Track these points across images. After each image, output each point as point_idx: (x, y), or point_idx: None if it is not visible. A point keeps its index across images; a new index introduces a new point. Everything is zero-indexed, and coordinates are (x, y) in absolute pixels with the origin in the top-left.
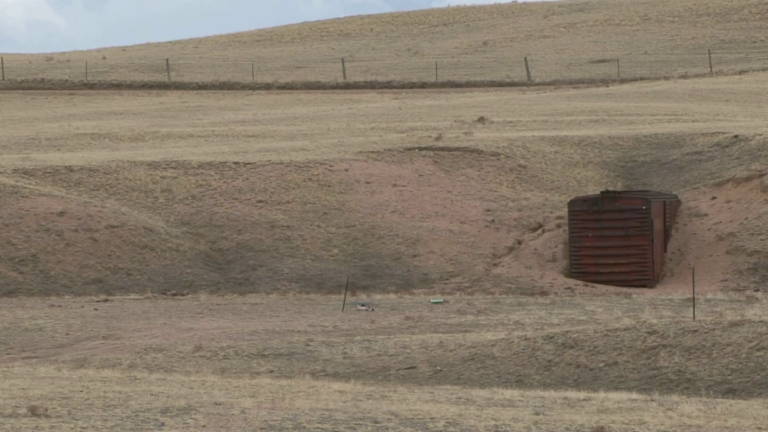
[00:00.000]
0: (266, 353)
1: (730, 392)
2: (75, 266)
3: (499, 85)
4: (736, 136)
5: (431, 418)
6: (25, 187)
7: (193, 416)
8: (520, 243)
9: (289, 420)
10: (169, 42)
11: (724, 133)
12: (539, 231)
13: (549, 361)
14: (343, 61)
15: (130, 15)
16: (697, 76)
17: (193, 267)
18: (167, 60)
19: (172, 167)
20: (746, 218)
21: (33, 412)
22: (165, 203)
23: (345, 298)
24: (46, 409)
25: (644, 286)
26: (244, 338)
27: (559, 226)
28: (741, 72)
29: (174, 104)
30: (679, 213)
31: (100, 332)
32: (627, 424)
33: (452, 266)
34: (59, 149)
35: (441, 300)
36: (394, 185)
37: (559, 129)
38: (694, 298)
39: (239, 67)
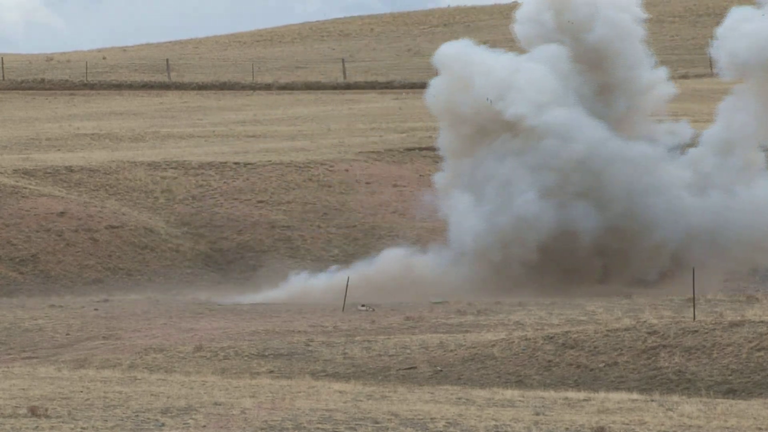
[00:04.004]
0: (266, 353)
1: (731, 392)
2: (75, 266)
3: None
4: None
5: (431, 419)
6: (26, 188)
7: (193, 416)
8: None
9: (290, 420)
10: (169, 42)
11: None
12: None
13: (549, 361)
14: (343, 61)
15: (129, 15)
16: (697, 76)
17: (194, 267)
18: (167, 60)
19: (172, 167)
20: None
21: (33, 412)
22: (165, 203)
23: (345, 298)
24: (47, 410)
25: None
26: (245, 338)
27: None
28: None
29: (174, 104)
30: None
31: (101, 333)
32: (627, 424)
33: None
34: (59, 149)
35: (441, 300)
36: (395, 185)
37: None
38: (694, 299)
39: (239, 67)
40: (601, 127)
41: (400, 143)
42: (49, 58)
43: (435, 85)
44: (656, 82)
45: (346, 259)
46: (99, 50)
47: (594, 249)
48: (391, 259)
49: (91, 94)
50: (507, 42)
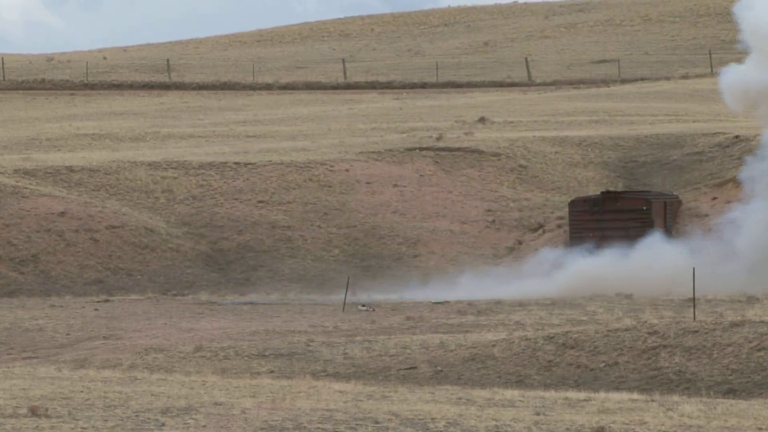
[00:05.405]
0: (267, 353)
1: (731, 392)
2: (76, 266)
3: (500, 85)
4: (737, 137)
5: (432, 419)
6: (26, 188)
7: (193, 416)
8: (520, 243)
9: (290, 420)
10: (170, 42)
11: (724, 133)
12: (540, 231)
13: (549, 361)
14: (343, 61)
15: (129, 15)
16: (698, 76)
17: (194, 267)
18: (168, 60)
19: (172, 167)
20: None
21: (33, 412)
22: (166, 203)
23: (345, 298)
24: (47, 410)
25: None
26: (245, 338)
27: (559, 226)
28: None
29: (175, 104)
30: (680, 213)
31: (101, 332)
32: (627, 424)
33: (453, 267)
34: (60, 149)
35: (442, 300)
36: (395, 185)
37: (559, 129)
38: (694, 299)
39: (240, 67)
40: None
41: (401, 143)
42: (49, 58)
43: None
44: None
45: (347, 259)
46: (99, 50)
47: None
48: (648, 250)
49: (91, 94)
50: (507, 42)
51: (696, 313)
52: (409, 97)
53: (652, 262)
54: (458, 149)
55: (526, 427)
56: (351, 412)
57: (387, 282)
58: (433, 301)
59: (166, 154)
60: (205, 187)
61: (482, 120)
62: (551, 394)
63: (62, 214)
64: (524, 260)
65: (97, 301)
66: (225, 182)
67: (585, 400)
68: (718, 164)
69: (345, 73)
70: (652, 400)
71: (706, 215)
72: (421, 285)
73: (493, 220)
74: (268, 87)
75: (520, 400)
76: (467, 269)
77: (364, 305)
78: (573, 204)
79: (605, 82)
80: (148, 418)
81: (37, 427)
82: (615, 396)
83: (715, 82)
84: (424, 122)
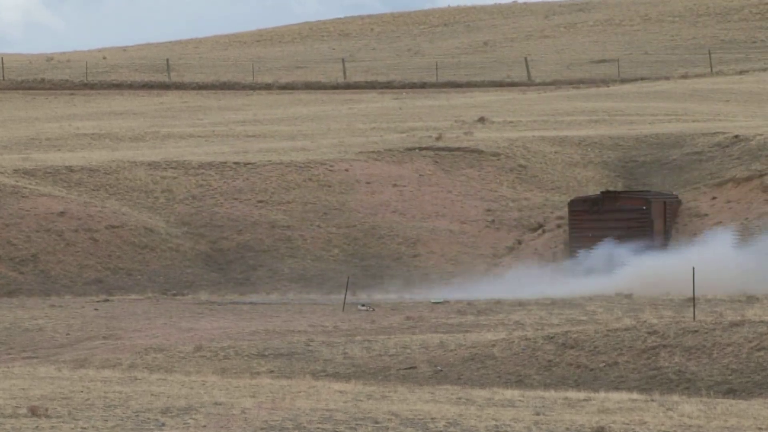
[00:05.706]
0: (266, 353)
1: (731, 392)
2: (75, 266)
3: (500, 85)
4: (736, 136)
5: (431, 419)
6: (26, 187)
7: (193, 416)
8: (520, 243)
9: (290, 420)
10: (170, 42)
11: (724, 133)
12: (539, 231)
13: (549, 361)
14: (343, 61)
15: (129, 15)
16: (697, 76)
17: (194, 267)
18: (167, 60)
19: (172, 167)
20: (746, 218)
21: (33, 412)
22: (165, 203)
23: (345, 298)
24: (47, 410)
25: None
26: (245, 338)
27: (559, 226)
28: (741, 72)
29: (174, 104)
30: (680, 213)
31: (101, 332)
32: (627, 424)
33: (453, 266)
34: (59, 149)
35: (441, 300)
36: (395, 185)
37: (559, 129)
38: (694, 298)
39: (240, 67)
40: None
41: (400, 143)
42: (49, 58)
43: None
44: None
45: (347, 259)
46: (99, 50)
47: None
48: (714, 249)
49: (91, 93)
50: (507, 42)
51: (696, 313)
52: (408, 97)
53: (719, 262)
54: (458, 149)
55: (526, 427)
56: (351, 412)
57: (387, 282)
58: (432, 300)
59: (166, 154)
60: (205, 187)
61: (482, 120)
62: (551, 394)
63: (62, 213)
64: (577, 257)
65: (97, 301)
66: (225, 182)
67: (585, 400)
68: (717, 164)
69: (345, 72)
70: (652, 400)
71: (706, 215)
72: (467, 284)
73: (493, 220)
74: (267, 87)
75: (519, 400)
76: (513, 267)
77: (363, 305)
78: (572, 204)
79: (605, 81)
80: (148, 418)
81: (37, 427)
82: (615, 396)
83: (715, 82)
84: (424, 122)
